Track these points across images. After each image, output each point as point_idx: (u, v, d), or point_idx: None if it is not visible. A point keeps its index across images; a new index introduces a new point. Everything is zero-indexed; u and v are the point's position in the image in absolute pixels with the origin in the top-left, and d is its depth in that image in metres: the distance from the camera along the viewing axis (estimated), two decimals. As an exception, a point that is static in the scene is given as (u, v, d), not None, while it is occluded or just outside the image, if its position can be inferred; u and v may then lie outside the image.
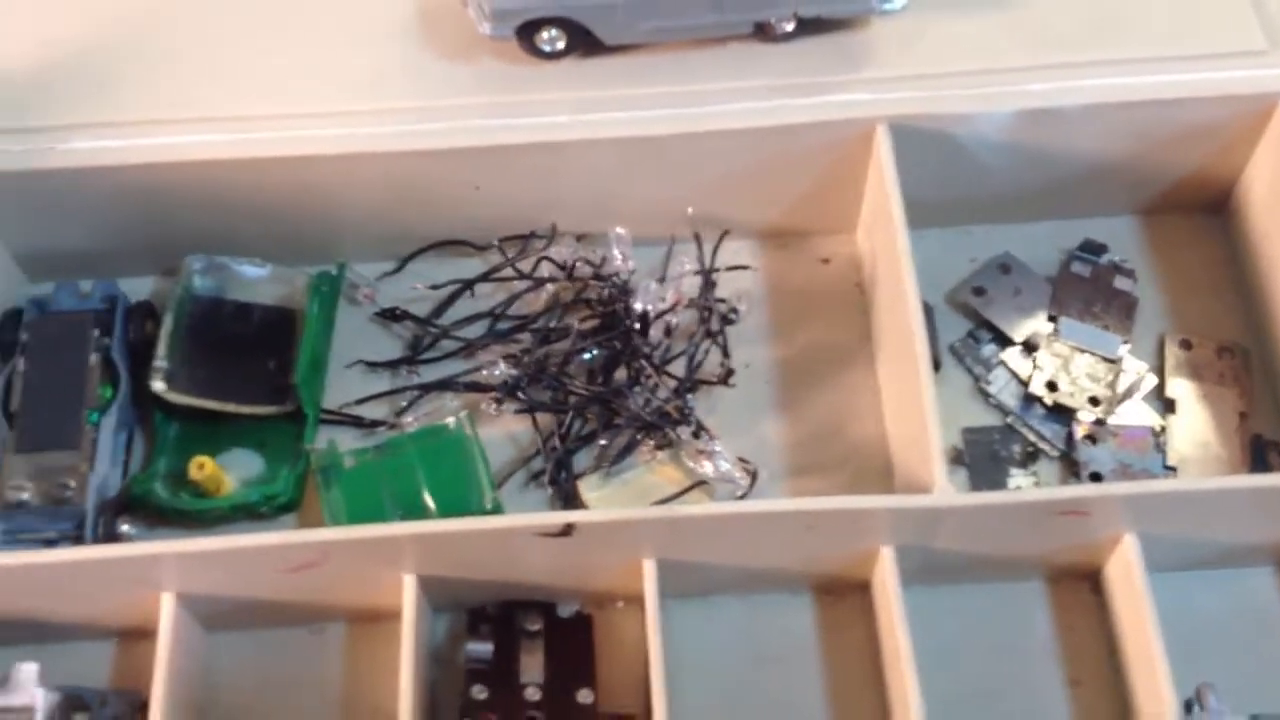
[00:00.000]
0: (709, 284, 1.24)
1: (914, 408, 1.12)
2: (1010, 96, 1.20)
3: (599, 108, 1.19)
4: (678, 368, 1.24)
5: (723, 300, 1.25)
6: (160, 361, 1.20)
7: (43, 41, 1.22)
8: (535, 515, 1.05)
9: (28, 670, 1.04)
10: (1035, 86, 1.19)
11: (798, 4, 1.17)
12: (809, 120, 1.19)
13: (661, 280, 1.23)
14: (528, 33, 1.17)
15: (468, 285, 1.29)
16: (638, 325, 1.21)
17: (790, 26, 1.20)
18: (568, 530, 1.04)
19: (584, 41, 1.19)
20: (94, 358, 1.20)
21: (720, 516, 1.05)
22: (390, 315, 1.29)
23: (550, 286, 1.27)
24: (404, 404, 1.24)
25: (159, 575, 1.06)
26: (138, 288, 1.30)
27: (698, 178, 1.25)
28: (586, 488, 1.19)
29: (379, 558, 1.07)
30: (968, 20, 1.24)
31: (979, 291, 1.30)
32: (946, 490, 1.04)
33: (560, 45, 1.18)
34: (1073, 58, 1.21)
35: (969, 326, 1.29)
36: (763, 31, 1.20)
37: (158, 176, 1.19)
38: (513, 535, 1.04)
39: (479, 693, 1.07)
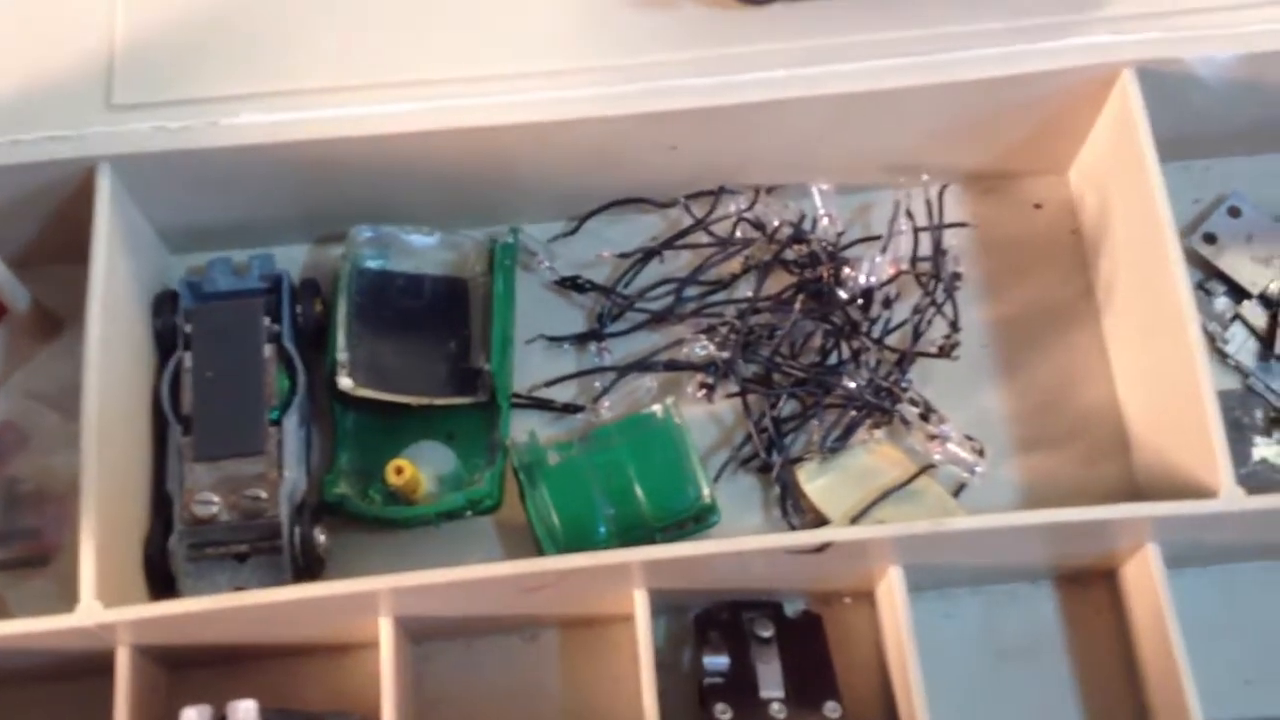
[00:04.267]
0: (938, 250, 1.14)
1: (1175, 384, 1.03)
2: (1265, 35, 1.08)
3: (818, 59, 1.07)
4: (893, 339, 1.15)
5: (944, 260, 1.15)
6: (342, 353, 1.10)
7: (203, 4, 1.09)
8: (789, 535, 0.97)
9: (246, 709, 0.97)
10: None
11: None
12: (1052, 67, 1.07)
13: (884, 250, 1.12)
14: (741, -21, 1.05)
15: (658, 250, 1.18)
16: (860, 300, 1.11)
17: (1028, -40, 1.07)
18: (823, 548, 0.96)
19: (800, -16, 1.07)
20: (269, 348, 1.10)
21: (988, 530, 0.97)
22: (571, 284, 1.19)
23: (746, 249, 1.17)
24: (598, 386, 1.15)
25: (378, 602, 0.99)
26: (289, 258, 1.19)
27: (914, 128, 1.13)
28: (805, 476, 1.10)
29: (610, 578, 0.99)
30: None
31: (1209, 239, 1.20)
32: (1235, 495, 0.96)
33: (775, -10, 1.06)
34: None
35: (1198, 277, 1.20)
36: (997, -34, 1.08)
37: (329, 150, 1.07)
38: (765, 555, 0.96)
39: (722, 712, 1.00)
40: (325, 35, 1.08)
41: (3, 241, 1.09)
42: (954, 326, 1.13)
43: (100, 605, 0.94)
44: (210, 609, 0.95)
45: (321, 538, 1.07)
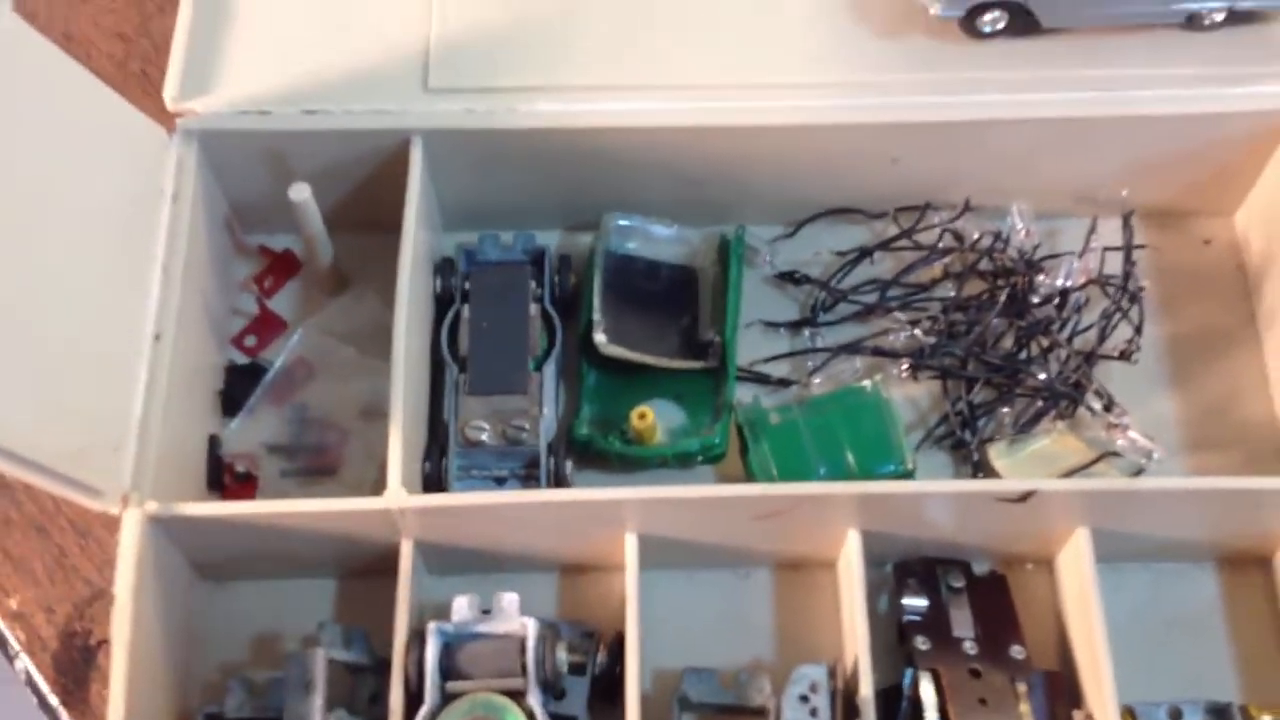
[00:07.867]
0: (1129, 261, 1.29)
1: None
2: None
3: (1029, 88, 1.24)
4: (1076, 343, 1.30)
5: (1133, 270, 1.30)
6: (598, 315, 1.27)
7: (507, 5, 1.28)
8: (995, 482, 1.11)
9: (510, 600, 1.13)
10: None
11: (1233, -1, 1.21)
12: (1234, 110, 1.23)
13: (1080, 256, 1.28)
14: (972, 14, 1.22)
15: (871, 251, 1.35)
16: (1056, 300, 1.26)
17: (1221, 17, 1.23)
18: (1026, 497, 1.10)
19: (1022, 24, 1.23)
20: (534, 307, 1.28)
21: (1175, 491, 1.10)
22: (789, 278, 1.35)
23: (947, 257, 1.33)
24: (811, 365, 1.31)
25: (624, 514, 1.14)
26: (543, 241, 1.37)
27: (1106, 159, 1.29)
28: (995, 454, 1.25)
29: (832, 512, 1.14)
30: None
31: (1366, 280, 1.34)
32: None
33: (1000, 26, 1.23)
34: None
35: (1354, 314, 1.34)
36: (1193, 21, 1.24)
37: (600, 140, 1.25)
38: (974, 499, 1.11)
39: (922, 644, 1.14)
40: (606, 38, 1.26)
41: (321, 204, 1.28)
42: (1138, 330, 1.28)
43: (405, 492, 1.10)
44: (489, 503, 1.12)
45: (570, 469, 1.23)
